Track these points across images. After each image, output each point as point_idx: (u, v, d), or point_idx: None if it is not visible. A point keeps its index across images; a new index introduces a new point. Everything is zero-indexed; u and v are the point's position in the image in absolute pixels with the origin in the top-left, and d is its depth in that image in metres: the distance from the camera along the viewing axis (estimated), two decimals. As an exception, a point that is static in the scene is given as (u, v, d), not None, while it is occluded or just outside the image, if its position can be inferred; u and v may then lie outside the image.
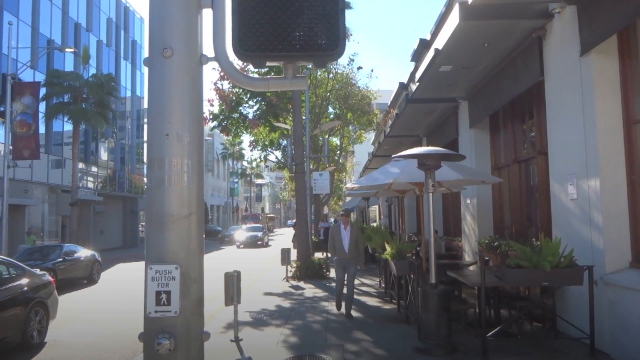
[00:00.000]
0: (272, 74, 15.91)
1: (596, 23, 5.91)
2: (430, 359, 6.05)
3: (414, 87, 10.99)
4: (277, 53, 2.22)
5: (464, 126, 11.39)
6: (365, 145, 36.73)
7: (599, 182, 5.95)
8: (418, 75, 9.89)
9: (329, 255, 9.19)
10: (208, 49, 2.30)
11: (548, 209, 7.45)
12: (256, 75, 2.73)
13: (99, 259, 16.73)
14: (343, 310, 9.00)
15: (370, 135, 32.23)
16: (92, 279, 15.75)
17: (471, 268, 9.62)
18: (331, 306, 9.84)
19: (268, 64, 2.28)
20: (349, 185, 10.30)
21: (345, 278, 8.79)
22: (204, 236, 2.40)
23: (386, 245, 8.12)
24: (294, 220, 19.73)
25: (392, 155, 6.89)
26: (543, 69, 7.23)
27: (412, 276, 7.62)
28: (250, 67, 14.00)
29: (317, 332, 7.74)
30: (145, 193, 2.32)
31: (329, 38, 2.25)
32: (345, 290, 8.88)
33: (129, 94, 38.78)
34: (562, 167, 6.83)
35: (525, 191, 9.21)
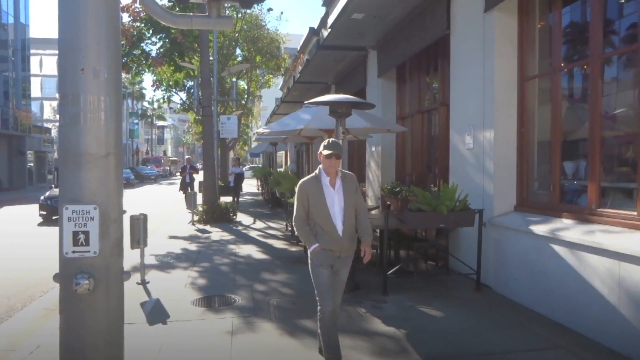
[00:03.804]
0: (177, 10, 15.04)
1: (500, -18, 6.23)
2: (335, 296, 6.39)
3: (325, 33, 10.98)
4: (202, -11, 2.16)
5: (372, 75, 11.66)
6: (273, 91, 36.37)
7: (493, 133, 6.46)
8: (330, 21, 9.89)
9: (302, 243, 4.86)
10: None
11: (446, 157, 7.97)
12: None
13: None
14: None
15: (279, 80, 31.91)
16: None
17: (373, 212, 10.14)
18: (238, 249, 9.97)
19: (192, 0, 2.21)
20: (259, 130, 10.16)
21: (336, 287, 4.23)
22: (123, 176, 2.34)
23: (295, 189, 8.26)
24: (185, 165, 18.78)
25: (304, 102, 6.94)
26: (449, 23, 7.53)
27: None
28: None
29: (225, 274, 7.85)
30: (57, 130, 2.21)
31: (255, -22, 2.21)
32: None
33: (11, 20, 34.84)
34: (462, 118, 7.30)
35: (427, 140, 9.74)
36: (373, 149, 11.77)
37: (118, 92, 2.23)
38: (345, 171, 4.34)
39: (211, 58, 15.96)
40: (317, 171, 4.24)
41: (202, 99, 14.80)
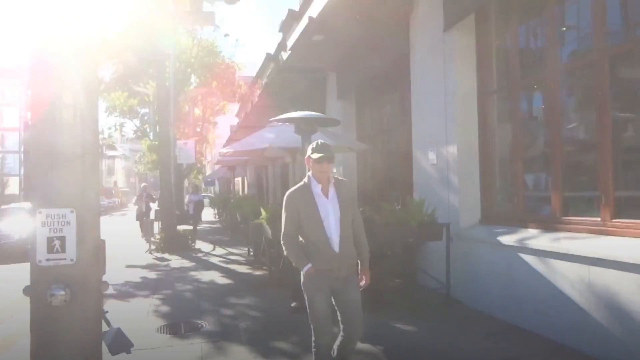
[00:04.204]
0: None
1: (457, 2, 6.45)
2: (305, 317, 6.23)
3: (285, 55, 11.04)
4: (185, -17, 2.08)
5: (332, 97, 11.77)
6: (228, 117, 36.12)
7: (456, 148, 6.58)
8: (290, 43, 9.95)
9: (294, 262, 3.69)
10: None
11: (410, 175, 8.04)
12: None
13: None
14: None
15: (234, 107, 31.74)
16: None
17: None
18: (200, 275, 9.66)
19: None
20: (222, 150, 9.95)
21: (345, 312, 3.65)
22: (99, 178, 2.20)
23: (261, 210, 8.13)
24: (141, 193, 17.67)
25: (270, 119, 6.89)
26: (409, 43, 7.71)
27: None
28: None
29: (189, 300, 7.57)
30: (29, 130, 2.06)
31: (240, -28, 2.16)
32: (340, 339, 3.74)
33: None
34: (424, 135, 7.41)
35: (389, 160, 9.84)
36: (334, 170, 11.78)
37: (94, 91, 2.12)
38: (339, 178, 3.80)
39: (167, 84, 15.72)
40: (305, 179, 3.67)
41: (158, 123, 14.50)
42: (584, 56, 5.33)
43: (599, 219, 4.78)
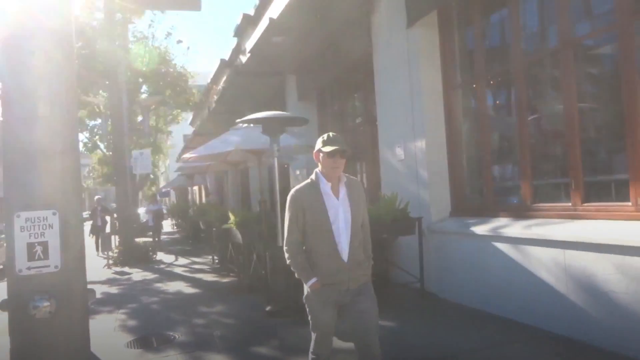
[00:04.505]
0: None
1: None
2: (282, 321, 6.11)
3: (243, 59, 10.87)
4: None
5: (292, 100, 11.67)
6: (182, 126, 35.41)
7: (425, 143, 6.61)
8: (249, 46, 9.79)
9: (297, 274, 3.21)
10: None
11: (377, 172, 8.04)
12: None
13: None
14: None
15: (188, 115, 31.15)
16: None
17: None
18: (166, 286, 9.34)
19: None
20: (185, 155, 9.59)
21: (355, 325, 3.18)
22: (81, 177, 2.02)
23: (230, 215, 7.92)
24: (95, 207, 16.76)
25: (237, 120, 6.71)
26: (371, 41, 7.71)
27: (257, 244, 7.59)
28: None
29: (157, 312, 7.29)
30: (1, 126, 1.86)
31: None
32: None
33: None
34: (390, 131, 7.42)
35: (353, 157, 9.82)
36: (298, 172, 11.69)
37: (72, 80, 1.94)
38: (351, 177, 3.32)
39: (119, 88, 15.19)
40: (312, 176, 3.19)
41: (113, 133, 14.00)
42: (549, 47, 5.44)
43: (569, 204, 4.88)
